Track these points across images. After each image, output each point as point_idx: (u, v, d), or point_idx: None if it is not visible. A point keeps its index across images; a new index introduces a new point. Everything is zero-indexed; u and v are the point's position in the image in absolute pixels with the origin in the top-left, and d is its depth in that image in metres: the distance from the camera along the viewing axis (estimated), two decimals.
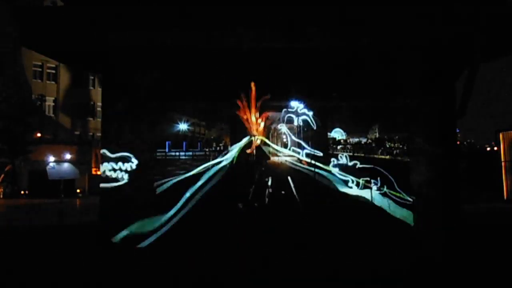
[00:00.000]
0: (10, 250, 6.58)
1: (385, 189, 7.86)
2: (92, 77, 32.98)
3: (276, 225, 6.85)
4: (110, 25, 6.25)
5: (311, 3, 6.07)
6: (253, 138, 8.26)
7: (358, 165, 8.23)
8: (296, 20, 6.15)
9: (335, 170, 8.17)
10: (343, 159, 8.23)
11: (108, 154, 6.62)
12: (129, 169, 6.58)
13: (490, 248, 6.24)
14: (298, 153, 8.19)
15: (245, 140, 8.38)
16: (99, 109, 31.45)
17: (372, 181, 8.05)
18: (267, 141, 8.21)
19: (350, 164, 8.26)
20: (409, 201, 7.36)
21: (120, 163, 6.60)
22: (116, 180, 6.56)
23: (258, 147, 8.35)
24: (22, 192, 17.39)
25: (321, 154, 8.30)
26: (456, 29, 6.12)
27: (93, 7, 6.33)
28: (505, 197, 12.47)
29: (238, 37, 6.29)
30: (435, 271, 5.30)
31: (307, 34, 6.20)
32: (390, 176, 7.84)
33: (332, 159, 8.28)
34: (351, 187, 8.18)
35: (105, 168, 6.56)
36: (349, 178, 8.16)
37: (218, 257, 5.83)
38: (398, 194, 7.78)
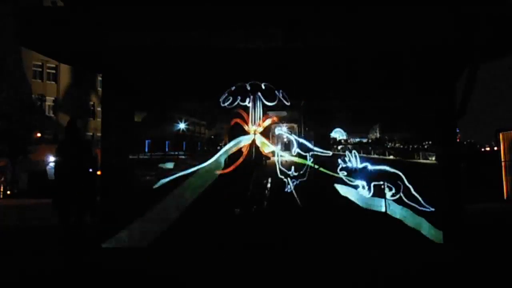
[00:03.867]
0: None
1: (401, 195, 6.73)
2: (93, 77, 32.97)
3: (275, 232, 6.32)
4: (110, 25, 6.25)
5: (312, 4, 6.08)
6: (253, 136, 7.20)
7: (370, 167, 6.90)
8: (296, 20, 6.16)
9: (343, 174, 6.96)
10: (352, 161, 6.90)
11: None
12: None
13: (490, 248, 6.25)
14: (305, 156, 7.11)
15: (247, 138, 7.29)
16: (99, 109, 31.52)
17: (386, 185, 6.76)
18: (266, 141, 7.48)
19: (360, 166, 6.88)
20: (427, 208, 6.65)
21: None
22: None
23: (257, 148, 7.54)
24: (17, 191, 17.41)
25: (330, 153, 7.18)
26: (456, 29, 6.12)
27: (93, 7, 6.33)
28: (505, 197, 12.49)
29: (237, 36, 6.29)
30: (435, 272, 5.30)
31: (307, 34, 6.21)
32: (405, 180, 6.75)
33: (339, 161, 7.01)
34: (361, 194, 6.92)
35: None
36: (359, 183, 6.93)
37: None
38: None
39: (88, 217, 5.68)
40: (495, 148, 14.75)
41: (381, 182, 6.82)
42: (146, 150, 7.80)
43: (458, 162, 7.18)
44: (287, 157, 7.15)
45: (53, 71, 30.89)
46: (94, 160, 5.72)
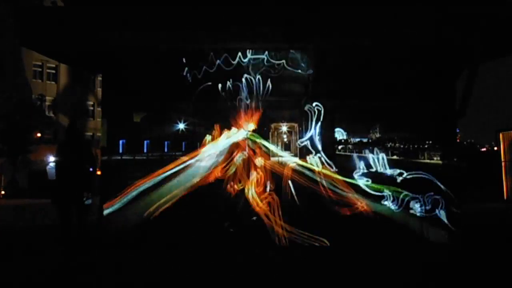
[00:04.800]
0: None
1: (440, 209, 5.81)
2: (92, 77, 32.98)
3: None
4: (110, 25, 6.26)
5: (311, 4, 6.08)
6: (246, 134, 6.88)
7: (405, 175, 5.63)
8: (296, 20, 6.17)
9: (363, 182, 5.80)
10: (378, 164, 5.69)
11: None
12: None
13: (490, 248, 6.24)
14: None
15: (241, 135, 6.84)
16: (99, 109, 31.53)
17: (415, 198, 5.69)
18: (265, 142, 7.16)
19: (389, 172, 5.60)
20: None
21: None
22: None
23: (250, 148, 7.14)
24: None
25: (338, 171, 6.36)
26: (456, 29, 6.13)
27: (93, 7, 6.34)
28: (505, 197, 12.49)
29: (237, 37, 6.30)
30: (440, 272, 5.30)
31: (306, 35, 6.21)
32: (446, 189, 5.97)
33: (359, 164, 5.98)
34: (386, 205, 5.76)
35: None
36: (385, 193, 5.65)
37: None
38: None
39: (88, 217, 5.72)
40: (495, 148, 14.77)
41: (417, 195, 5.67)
42: (145, 150, 7.76)
43: (459, 161, 7.19)
44: (291, 160, 6.80)
45: (53, 71, 30.88)
46: (94, 159, 5.84)
